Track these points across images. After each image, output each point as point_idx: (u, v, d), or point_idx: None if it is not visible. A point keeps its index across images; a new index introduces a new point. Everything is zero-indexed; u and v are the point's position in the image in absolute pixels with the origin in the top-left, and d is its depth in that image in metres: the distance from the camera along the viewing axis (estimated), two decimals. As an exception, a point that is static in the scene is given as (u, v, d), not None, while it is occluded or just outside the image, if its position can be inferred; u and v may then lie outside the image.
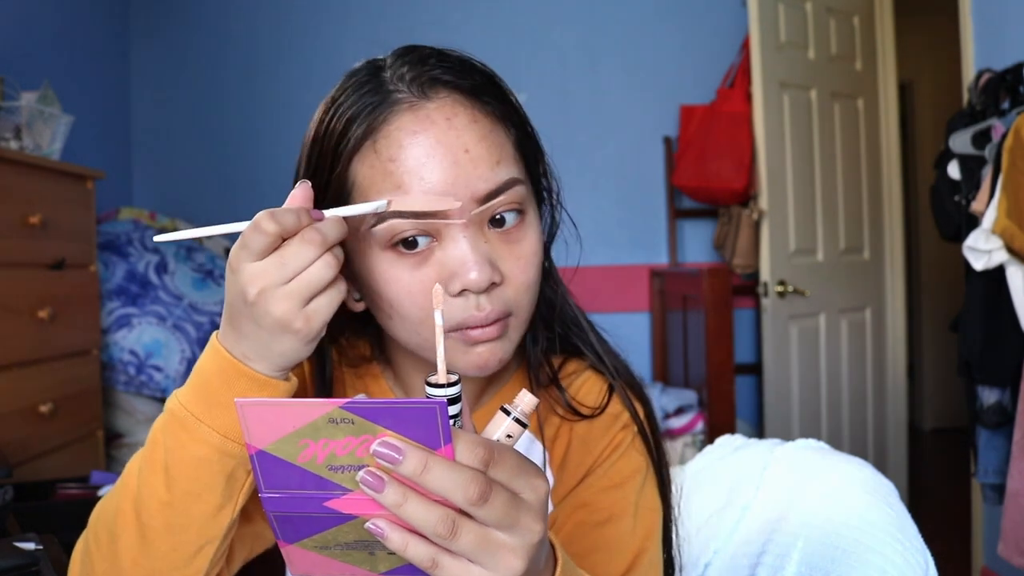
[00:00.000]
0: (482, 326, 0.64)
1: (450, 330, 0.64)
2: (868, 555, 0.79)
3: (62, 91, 2.25)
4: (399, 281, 0.64)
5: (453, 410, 0.49)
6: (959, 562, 2.67)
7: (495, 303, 0.64)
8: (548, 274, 0.77)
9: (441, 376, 0.48)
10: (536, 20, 3.34)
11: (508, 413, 0.50)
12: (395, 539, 0.45)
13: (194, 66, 3.38)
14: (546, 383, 0.77)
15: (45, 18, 2.70)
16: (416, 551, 0.45)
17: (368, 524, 0.45)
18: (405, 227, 0.63)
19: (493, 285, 0.64)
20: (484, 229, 0.64)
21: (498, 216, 0.65)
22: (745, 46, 2.96)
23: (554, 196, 0.75)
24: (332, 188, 0.67)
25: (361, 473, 0.43)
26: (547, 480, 0.48)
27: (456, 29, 3.31)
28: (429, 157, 0.62)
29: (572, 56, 3.33)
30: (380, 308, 0.67)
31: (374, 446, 0.43)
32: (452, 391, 0.48)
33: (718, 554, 0.90)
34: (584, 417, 0.76)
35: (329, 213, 0.58)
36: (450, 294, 0.63)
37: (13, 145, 1.99)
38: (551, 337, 0.78)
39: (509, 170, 0.65)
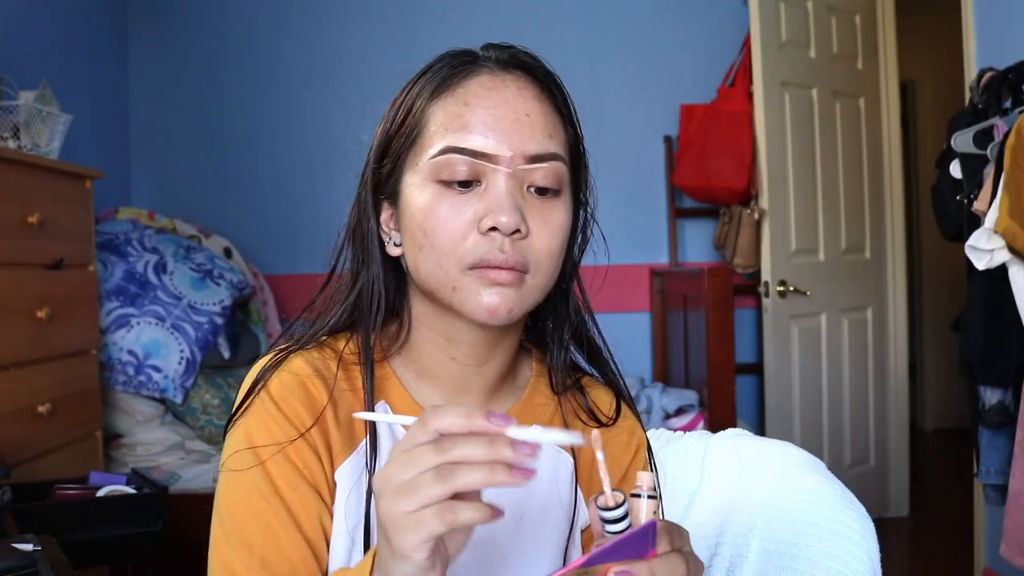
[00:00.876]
0: (500, 267, 0.69)
1: (471, 266, 0.70)
2: (831, 524, 0.84)
3: (60, 90, 2.24)
4: (438, 210, 0.71)
5: (624, 524, 0.59)
6: (961, 563, 2.66)
7: (516, 251, 0.70)
8: (572, 293, 0.82)
9: (609, 499, 0.57)
10: (536, 20, 3.34)
11: (638, 496, 0.59)
12: None
13: (194, 66, 3.37)
14: (562, 391, 0.82)
15: (44, 18, 2.70)
16: None
17: None
18: (460, 165, 0.70)
19: (518, 233, 0.70)
20: (523, 189, 0.72)
21: (539, 188, 0.72)
22: (746, 45, 2.96)
23: (590, 209, 0.81)
24: (403, 131, 0.74)
25: None
26: (687, 530, 0.60)
27: (456, 29, 3.31)
28: (496, 108, 0.71)
29: (572, 56, 3.32)
30: (415, 240, 0.73)
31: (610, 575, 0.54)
32: (622, 510, 0.57)
33: None
34: (601, 424, 0.82)
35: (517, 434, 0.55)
36: (480, 231, 0.70)
37: (11, 144, 1.99)
38: (574, 348, 0.83)
39: (558, 147, 0.73)
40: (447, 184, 0.71)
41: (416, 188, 0.73)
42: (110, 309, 2.48)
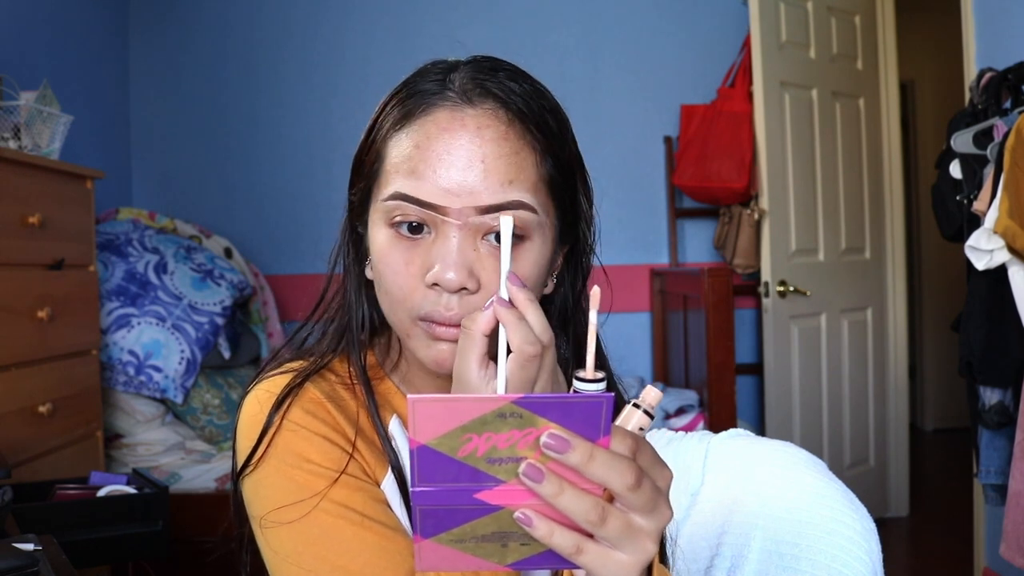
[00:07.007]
0: (445, 324, 0.67)
1: (419, 318, 0.68)
2: (832, 525, 0.84)
3: (61, 90, 2.24)
4: (389, 257, 0.68)
5: None
6: (961, 563, 2.67)
7: (463, 308, 0.66)
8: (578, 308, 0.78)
9: (589, 371, 0.52)
10: (536, 20, 3.34)
11: (638, 407, 0.53)
12: (542, 527, 0.47)
13: (194, 66, 3.37)
14: None
15: (44, 18, 2.70)
16: (562, 538, 0.48)
17: (517, 514, 0.48)
18: (409, 212, 0.67)
19: (465, 290, 0.66)
20: (478, 239, 0.67)
21: (499, 235, 0.66)
22: (746, 45, 2.96)
23: (585, 245, 0.77)
24: (368, 158, 0.72)
25: (523, 465, 0.46)
26: (671, 471, 0.52)
27: (456, 29, 3.31)
28: (448, 155, 0.66)
29: (572, 56, 3.32)
30: (375, 277, 0.72)
31: (543, 438, 0.45)
32: (602, 386, 0.51)
33: (675, 539, 0.93)
34: None
35: None
36: (425, 284, 0.67)
37: (12, 145, 1.99)
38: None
39: (520, 193, 0.66)
40: (398, 229, 0.68)
41: (375, 226, 0.70)
42: (111, 309, 2.48)
